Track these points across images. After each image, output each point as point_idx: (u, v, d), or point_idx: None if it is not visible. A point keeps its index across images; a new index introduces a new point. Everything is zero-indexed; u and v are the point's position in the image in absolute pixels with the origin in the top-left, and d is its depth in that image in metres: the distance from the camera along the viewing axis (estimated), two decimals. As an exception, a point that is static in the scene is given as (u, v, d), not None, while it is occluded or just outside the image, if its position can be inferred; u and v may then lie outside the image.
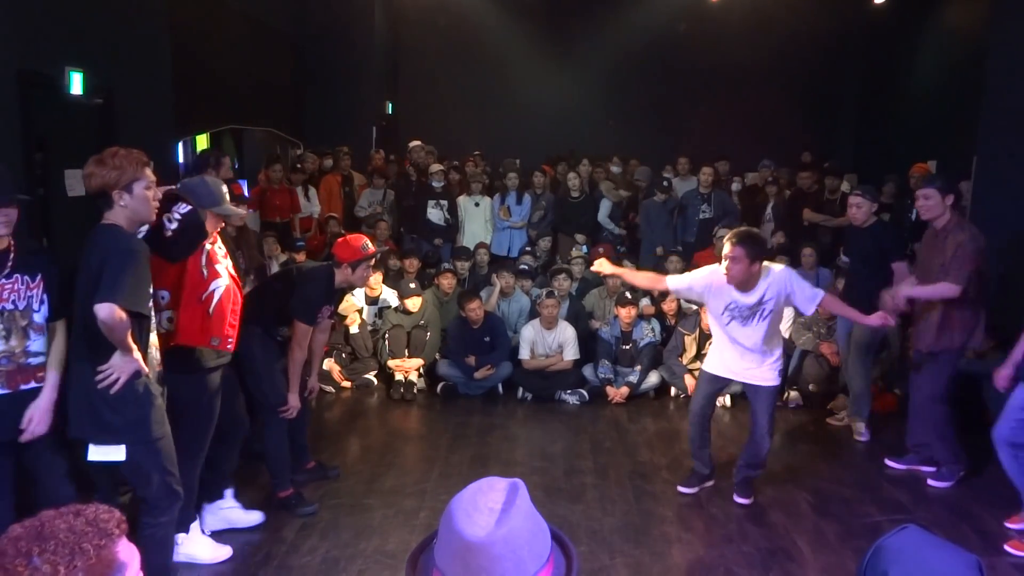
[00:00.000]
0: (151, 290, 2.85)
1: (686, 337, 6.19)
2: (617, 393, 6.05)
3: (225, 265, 3.43)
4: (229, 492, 3.90)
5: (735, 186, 8.63)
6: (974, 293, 4.31)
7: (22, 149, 5.06)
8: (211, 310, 3.30)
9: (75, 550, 1.27)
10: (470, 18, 11.98)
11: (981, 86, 6.54)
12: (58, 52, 5.37)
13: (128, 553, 1.35)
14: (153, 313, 2.96)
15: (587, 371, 6.25)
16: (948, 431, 4.53)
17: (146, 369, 2.80)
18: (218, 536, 3.73)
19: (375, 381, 6.38)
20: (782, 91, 11.75)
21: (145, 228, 3.04)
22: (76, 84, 5.47)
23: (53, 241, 5.29)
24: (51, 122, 5.41)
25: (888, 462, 4.87)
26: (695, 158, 8.57)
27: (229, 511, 3.87)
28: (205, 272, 3.28)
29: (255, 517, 3.92)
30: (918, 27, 9.98)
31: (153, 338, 2.96)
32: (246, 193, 7.32)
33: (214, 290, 3.32)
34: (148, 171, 2.82)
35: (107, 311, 2.59)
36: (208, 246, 3.33)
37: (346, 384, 6.29)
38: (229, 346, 3.39)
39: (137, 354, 2.74)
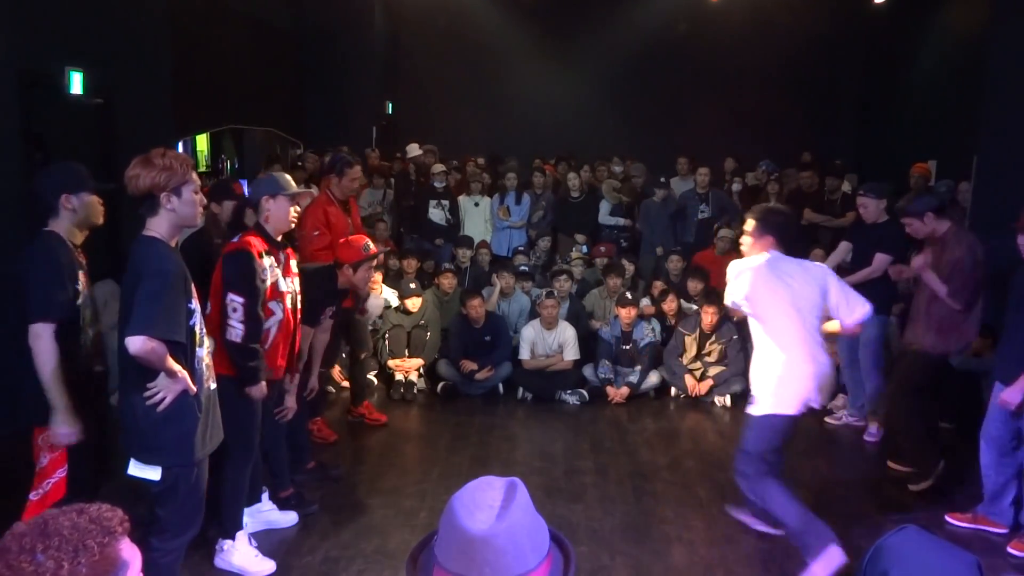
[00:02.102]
0: (190, 308, 2.74)
1: (686, 337, 6.19)
2: (617, 393, 6.05)
3: (287, 288, 3.51)
4: (265, 495, 3.91)
5: (736, 186, 8.63)
6: (973, 300, 4.35)
7: (22, 149, 5.06)
8: (267, 345, 3.43)
9: (79, 547, 1.28)
10: (470, 18, 11.97)
11: (981, 86, 6.54)
12: (58, 52, 5.37)
13: (130, 552, 1.36)
14: (201, 324, 2.85)
15: (587, 371, 6.26)
16: (915, 424, 4.45)
17: (193, 388, 2.71)
18: (263, 537, 3.74)
19: (375, 381, 6.38)
20: (782, 91, 11.75)
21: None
22: (76, 84, 5.47)
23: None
24: (51, 122, 5.42)
25: (891, 464, 4.82)
26: (695, 158, 8.56)
27: (268, 513, 3.88)
28: (264, 307, 3.35)
29: (291, 517, 3.93)
30: (918, 27, 9.98)
31: (200, 352, 2.83)
32: (246, 193, 7.30)
33: (269, 327, 3.44)
34: (195, 174, 2.75)
35: (138, 345, 2.52)
36: (271, 275, 3.38)
37: (346, 384, 6.28)
38: (279, 373, 3.57)
39: (183, 373, 2.67)
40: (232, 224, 3.94)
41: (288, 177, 3.62)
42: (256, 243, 3.36)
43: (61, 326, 2.88)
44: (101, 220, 3.11)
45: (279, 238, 3.53)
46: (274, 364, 3.51)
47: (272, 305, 3.42)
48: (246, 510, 3.76)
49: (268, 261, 3.39)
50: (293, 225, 3.60)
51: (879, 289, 4.79)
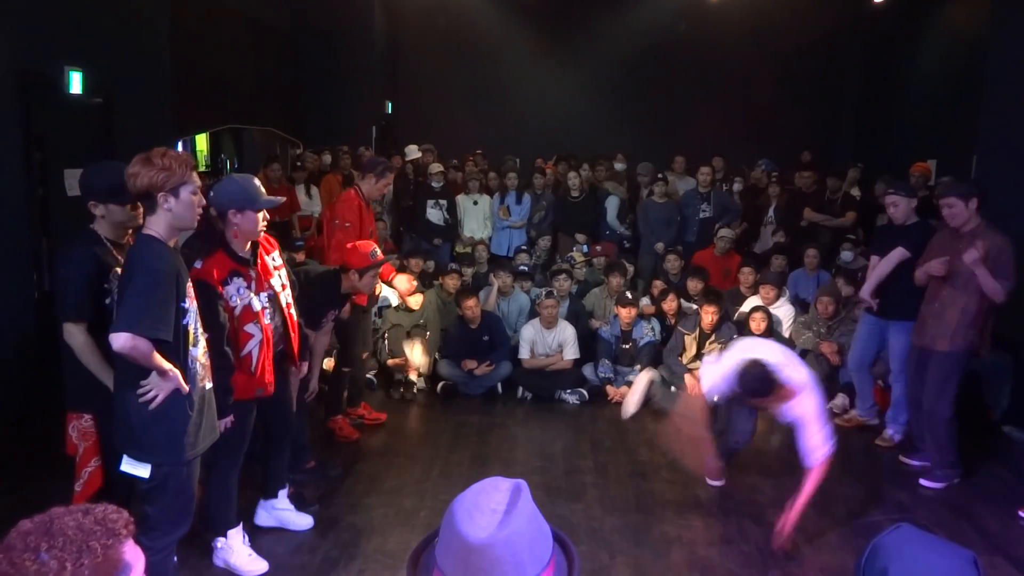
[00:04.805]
0: (183, 307, 2.69)
1: (686, 337, 6.19)
2: (617, 392, 6.04)
3: (264, 304, 3.34)
4: (283, 492, 3.89)
5: (736, 186, 8.63)
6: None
7: (22, 149, 5.06)
8: (253, 368, 3.33)
9: (83, 548, 1.27)
10: (470, 18, 11.98)
11: (981, 86, 6.55)
12: (58, 52, 5.37)
13: (134, 555, 1.35)
14: (196, 323, 2.81)
15: (587, 370, 6.26)
16: (947, 436, 4.47)
17: (185, 388, 2.70)
18: (263, 535, 3.74)
19: (375, 381, 6.38)
20: (782, 91, 11.75)
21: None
22: (76, 84, 5.47)
23: (52, 241, 5.29)
24: (51, 122, 5.41)
25: (903, 458, 4.86)
26: (695, 157, 8.56)
27: (283, 512, 3.87)
28: (239, 332, 3.26)
29: (307, 521, 3.90)
30: (918, 27, 9.98)
31: (195, 351, 2.80)
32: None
33: (251, 351, 3.31)
34: (195, 175, 2.71)
35: (121, 342, 2.50)
36: (240, 299, 3.24)
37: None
38: (270, 389, 3.45)
39: (175, 372, 2.65)
40: (200, 234, 3.35)
41: (258, 183, 3.29)
42: (218, 268, 3.18)
43: (92, 325, 2.92)
44: (140, 221, 3.01)
45: (247, 247, 3.32)
46: (263, 383, 3.40)
47: (249, 328, 3.28)
48: (261, 502, 3.78)
49: (235, 284, 3.23)
50: (263, 231, 3.34)
51: (910, 294, 4.67)
